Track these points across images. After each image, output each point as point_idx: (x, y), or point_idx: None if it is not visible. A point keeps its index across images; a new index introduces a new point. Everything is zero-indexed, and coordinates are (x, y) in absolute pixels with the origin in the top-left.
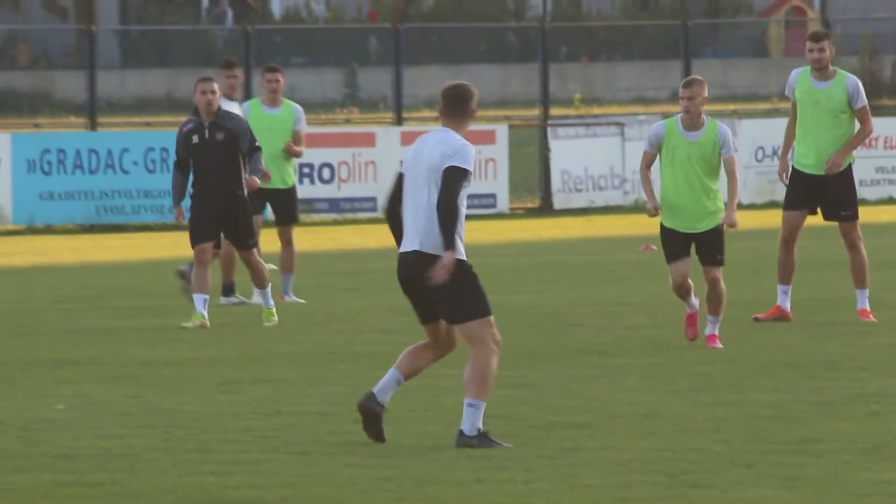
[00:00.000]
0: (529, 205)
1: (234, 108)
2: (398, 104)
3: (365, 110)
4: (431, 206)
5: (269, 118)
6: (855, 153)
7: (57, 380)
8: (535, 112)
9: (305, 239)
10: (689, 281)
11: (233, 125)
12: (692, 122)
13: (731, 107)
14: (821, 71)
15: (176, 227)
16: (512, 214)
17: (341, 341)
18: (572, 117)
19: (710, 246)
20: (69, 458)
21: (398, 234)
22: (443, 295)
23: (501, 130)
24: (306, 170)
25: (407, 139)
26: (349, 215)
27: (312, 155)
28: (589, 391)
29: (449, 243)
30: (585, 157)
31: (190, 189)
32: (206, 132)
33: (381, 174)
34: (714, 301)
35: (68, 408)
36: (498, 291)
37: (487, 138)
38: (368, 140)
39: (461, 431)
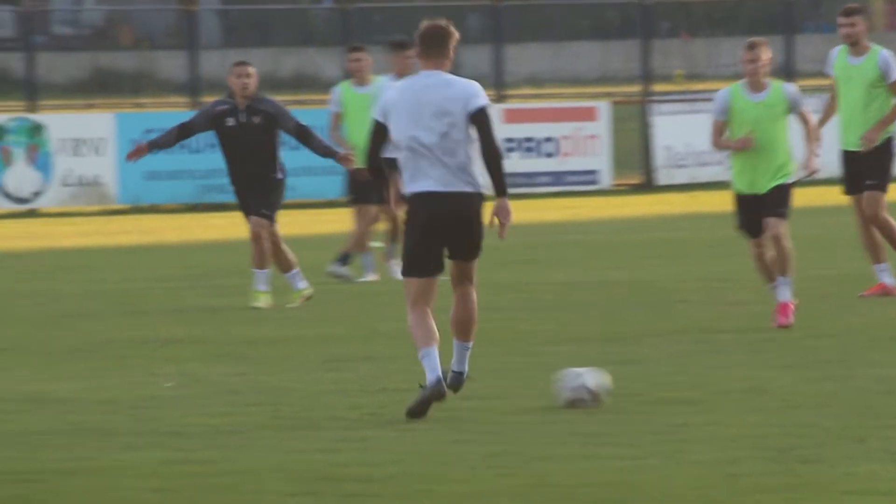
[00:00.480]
0: (632, 181)
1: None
2: (499, 82)
3: None
4: (460, 148)
5: (359, 97)
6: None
7: (164, 358)
8: (637, 88)
9: None
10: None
11: (271, 108)
12: (757, 85)
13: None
14: (854, 46)
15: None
16: (615, 191)
17: (447, 318)
18: (674, 93)
19: (774, 199)
20: (178, 435)
21: (381, 180)
22: (475, 232)
23: (603, 107)
24: None
25: (508, 117)
26: None
27: None
28: (695, 367)
29: (502, 188)
30: (688, 132)
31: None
32: (243, 115)
33: None
34: (780, 260)
35: (177, 386)
36: (601, 268)
37: (588, 115)
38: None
39: (462, 373)
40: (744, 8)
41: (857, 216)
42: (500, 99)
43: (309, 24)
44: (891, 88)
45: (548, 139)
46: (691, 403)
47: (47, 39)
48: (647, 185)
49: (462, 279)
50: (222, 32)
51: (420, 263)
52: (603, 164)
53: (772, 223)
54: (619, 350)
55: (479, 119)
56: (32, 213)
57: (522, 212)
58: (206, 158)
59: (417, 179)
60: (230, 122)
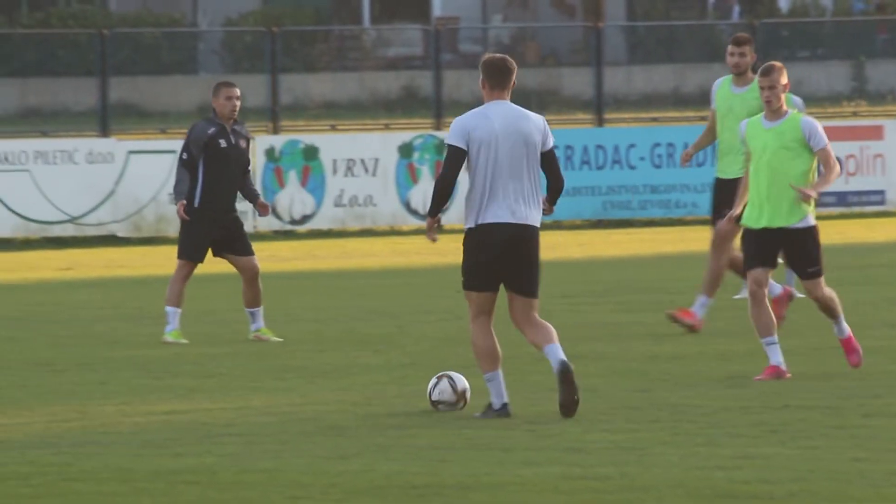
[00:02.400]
0: None
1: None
2: None
3: (873, 103)
4: (531, 180)
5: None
6: None
7: None
8: None
9: None
10: (768, 306)
11: (249, 135)
12: (772, 113)
13: None
14: (740, 76)
15: (680, 222)
16: None
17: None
18: None
19: (801, 252)
20: (578, 451)
21: (443, 205)
22: (532, 266)
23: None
24: None
25: None
26: (856, 209)
27: None
28: None
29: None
30: None
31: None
32: (232, 138)
33: (889, 167)
34: (825, 310)
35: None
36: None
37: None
38: (876, 133)
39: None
40: None
41: (711, 244)
42: None
43: (715, 40)
44: None
45: None
46: None
47: (454, 57)
48: None
49: (532, 315)
50: (627, 49)
51: (486, 281)
52: (889, 185)
53: (807, 287)
54: None
55: (553, 157)
56: (440, 231)
57: None
58: (609, 175)
59: (500, 207)
60: (222, 143)
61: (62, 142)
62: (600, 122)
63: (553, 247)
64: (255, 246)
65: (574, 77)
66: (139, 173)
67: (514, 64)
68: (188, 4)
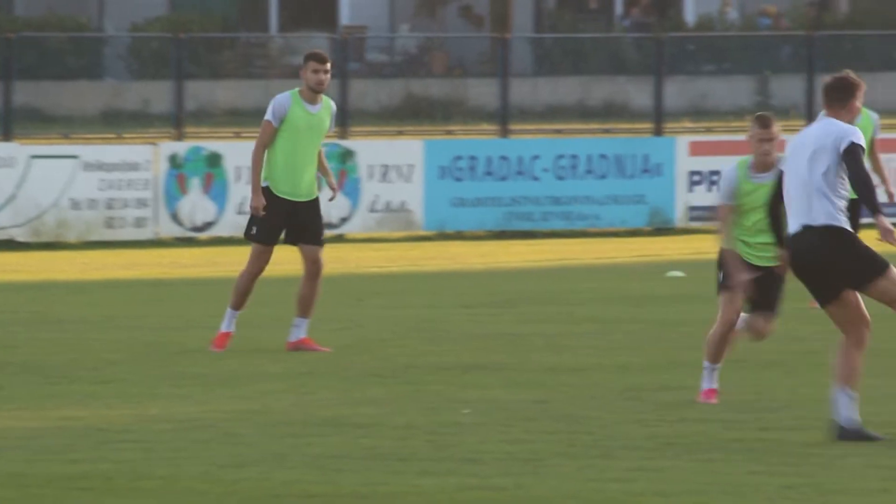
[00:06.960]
0: None
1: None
2: (810, 112)
3: (777, 118)
4: (817, 185)
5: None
6: None
7: (464, 384)
8: None
9: None
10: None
11: None
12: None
13: None
14: (316, 94)
15: (582, 234)
16: None
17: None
18: None
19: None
20: (475, 462)
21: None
22: (832, 269)
23: None
24: None
25: None
26: None
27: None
28: None
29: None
30: None
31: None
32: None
33: None
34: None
35: (475, 412)
36: None
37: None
38: (779, 147)
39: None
40: None
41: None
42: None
43: (621, 53)
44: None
45: None
46: None
47: (361, 66)
48: None
49: (885, 299)
50: (534, 60)
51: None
52: None
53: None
54: None
55: (853, 152)
56: (340, 238)
57: None
58: (513, 185)
59: (794, 217)
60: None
61: None
62: (505, 132)
63: (454, 257)
64: (157, 252)
65: (480, 88)
66: (41, 178)
67: (849, 81)
68: (94, 9)
